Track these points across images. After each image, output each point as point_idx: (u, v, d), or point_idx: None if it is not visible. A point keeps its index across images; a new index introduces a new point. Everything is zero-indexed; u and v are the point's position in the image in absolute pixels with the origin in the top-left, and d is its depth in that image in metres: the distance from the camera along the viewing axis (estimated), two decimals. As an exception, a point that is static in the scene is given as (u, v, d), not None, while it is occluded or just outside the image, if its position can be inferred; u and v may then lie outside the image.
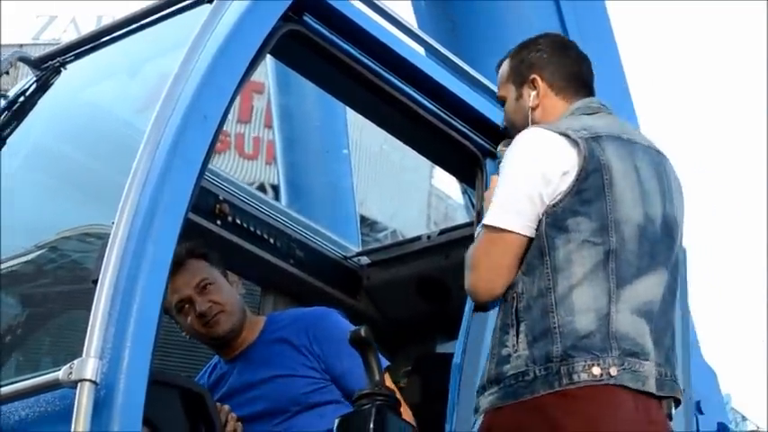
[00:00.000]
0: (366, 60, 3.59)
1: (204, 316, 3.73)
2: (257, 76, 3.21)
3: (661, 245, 2.99)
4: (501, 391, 2.83)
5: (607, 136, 3.00)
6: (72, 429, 2.49)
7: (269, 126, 19.78)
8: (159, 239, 2.78)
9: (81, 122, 3.83)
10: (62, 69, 3.79)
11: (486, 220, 2.94)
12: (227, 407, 3.61)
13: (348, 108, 6.20)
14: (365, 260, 4.92)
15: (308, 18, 3.37)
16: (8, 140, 3.73)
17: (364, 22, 3.51)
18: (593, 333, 2.81)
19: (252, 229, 4.49)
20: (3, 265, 3.54)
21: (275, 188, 15.34)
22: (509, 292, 2.90)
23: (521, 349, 2.83)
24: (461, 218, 11.67)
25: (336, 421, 3.38)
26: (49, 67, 3.80)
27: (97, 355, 2.56)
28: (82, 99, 3.90)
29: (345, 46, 3.52)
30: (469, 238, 3.15)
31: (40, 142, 3.89)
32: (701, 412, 4.99)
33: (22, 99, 3.78)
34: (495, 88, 4.08)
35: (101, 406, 2.56)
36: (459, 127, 3.86)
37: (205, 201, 4.24)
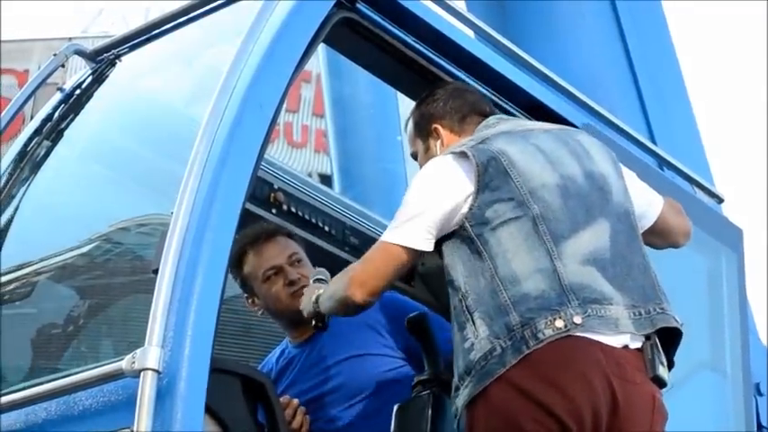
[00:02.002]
0: (418, 46, 3.60)
1: (294, 284, 3.80)
2: (305, 65, 3.23)
3: (593, 198, 2.99)
4: (475, 378, 2.80)
5: (494, 135, 3.08)
6: (135, 418, 2.50)
7: (317, 114, 19.78)
8: (218, 228, 2.80)
9: (136, 114, 3.85)
10: (117, 62, 3.82)
11: (382, 237, 3.03)
12: (295, 401, 3.62)
13: (399, 94, 6.18)
14: (419, 246, 4.90)
15: (360, 5, 3.38)
16: (65, 133, 3.77)
17: (416, 7, 3.51)
18: (546, 291, 2.80)
19: (306, 217, 4.49)
20: (62, 257, 3.58)
21: (323, 176, 15.34)
22: (455, 299, 2.92)
23: (481, 333, 2.81)
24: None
25: (395, 408, 3.39)
26: (104, 59, 3.84)
27: (159, 344, 2.57)
28: (136, 90, 3.92)
29: (398, 32, 3.52)
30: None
31: (96, 134, 3.92)
32: (761, 393, 4.96)
33: (78, 92, 3.81)
34: (546, 70, 4.10)
35: (163, 394, 2.57)
36: (511, 110, 3.85)
37: (260, 189, 4.26)
